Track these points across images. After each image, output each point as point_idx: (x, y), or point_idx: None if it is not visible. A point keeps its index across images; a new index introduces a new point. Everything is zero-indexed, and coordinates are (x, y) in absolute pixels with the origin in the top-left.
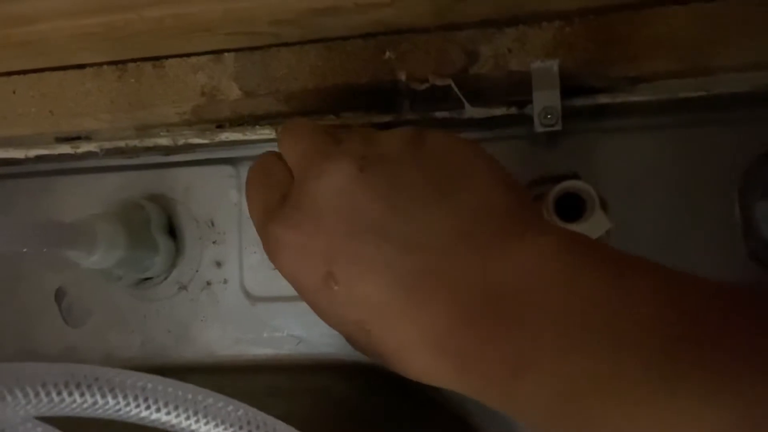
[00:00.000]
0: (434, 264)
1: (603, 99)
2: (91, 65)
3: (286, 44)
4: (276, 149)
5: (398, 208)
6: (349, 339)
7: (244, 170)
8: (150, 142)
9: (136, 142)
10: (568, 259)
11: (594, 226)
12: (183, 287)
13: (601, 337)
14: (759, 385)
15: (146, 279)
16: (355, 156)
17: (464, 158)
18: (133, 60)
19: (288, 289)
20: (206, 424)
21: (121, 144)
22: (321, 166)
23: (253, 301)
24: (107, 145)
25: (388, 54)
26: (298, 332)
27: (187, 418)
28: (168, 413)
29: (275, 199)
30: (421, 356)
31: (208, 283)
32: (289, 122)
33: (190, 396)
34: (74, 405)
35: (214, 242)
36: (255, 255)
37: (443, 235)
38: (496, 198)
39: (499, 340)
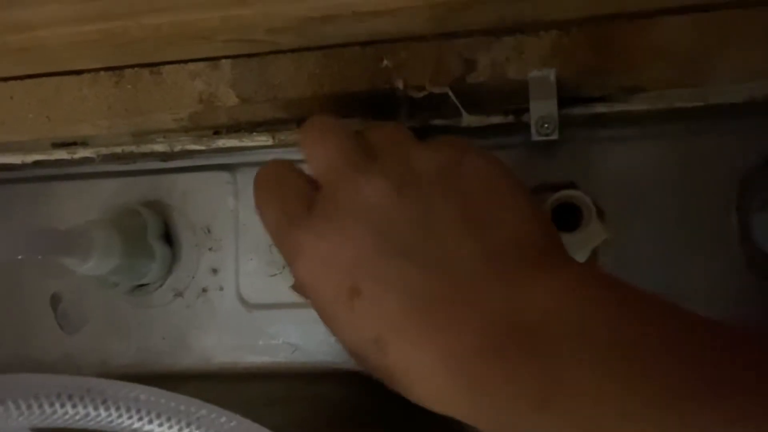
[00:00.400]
0: (460, 290)
1: (600, 108)
2: (89, 71)
3: (283, 51)
4: (276, 156)
5: (430, 231)
6: (361, 357)
7: (241, 177)
8: (147, 148)
9: (132, 148)
10: (593, 296)
11: (590, 236)
12: (179, 294)
13: (626, 379)
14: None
15: (142, 285)
16: (391, 175)
17: (500, 188)
18: (131, 66)
19: (284, 297)
20: None
21: (118, 150)
22: (354, 180)
23: (250, 308)
24: (104, 150)
25: (385, 62)
26: (294, 340)
27: (180, 429)
28: (161, 424)
29: (296, 205)
30: (436, 381)
31: (204, 290)
32: (316, 121)
33: (183, 407)
34: (67, 417)
35: (210, 249)
36: (251, 262)
37: (471, 262)
38: (526, 231)
39: (522, 375)
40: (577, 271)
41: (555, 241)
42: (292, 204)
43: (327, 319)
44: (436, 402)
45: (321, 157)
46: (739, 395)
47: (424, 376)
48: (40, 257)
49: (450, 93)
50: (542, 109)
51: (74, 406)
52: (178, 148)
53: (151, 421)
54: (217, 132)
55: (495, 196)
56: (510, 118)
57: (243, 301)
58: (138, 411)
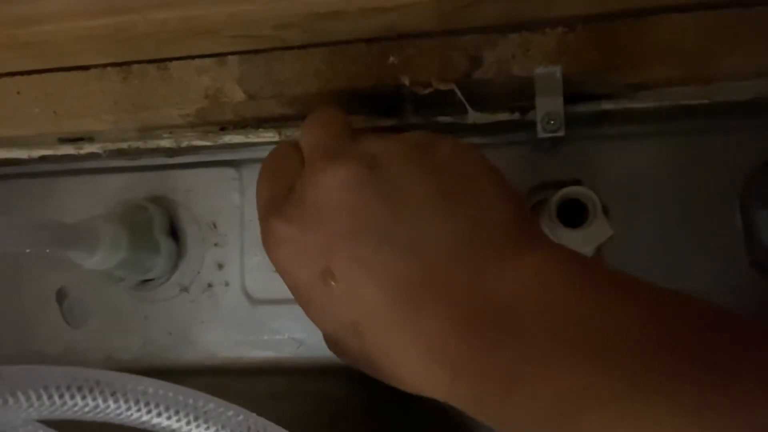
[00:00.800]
0: (433, 271)
1: (606, 105)
2: (96, 66)
3: (290, 48)
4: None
5: (402, 212)
6: (338, 342)
7: (246, 172)
8: (153, 143)
9: (139, 144)
10: (565, 276)
11: (596, 232)
12: (184, 289)
13: (593, 354)
14: (735, 405)
15: (148, 280)
16: (364, 156)
17: (472, 169)
18: (138, 62)
19: (289, 293)
20: (207, 429)
21: (124, 145)
22: (330, 161)
23: (254, 303)
24: (110, 146)
25: (391, 58)
26: (298, 335)
27: (188, 423)
28: (168, 417)
29: (282, 190)
30: (412, 363)
31: (210, 285)
32: (319, 109)
33: (190, 401)
34: (75, 408)
35: (215, 244)
36: (256, 257)
37: (444, 243)
38: (499, 211)
39: (494, 354)
40: (548, 252)
41: (528, 222)
42: (278, 189)
43: (304, 305)
44: (414, 384)
45: (307, 140)
46: (716, 375)
47: (401, 358)
48: (47, 251)
49: (456, 90)
50: (548, 105)
51: (83, 397)
52: (184, 143)
53: (159, 414)
54: (224, 128)
55: (468, 176)
56: (516, 115)
57: (248, 296)
58: (146, 404)
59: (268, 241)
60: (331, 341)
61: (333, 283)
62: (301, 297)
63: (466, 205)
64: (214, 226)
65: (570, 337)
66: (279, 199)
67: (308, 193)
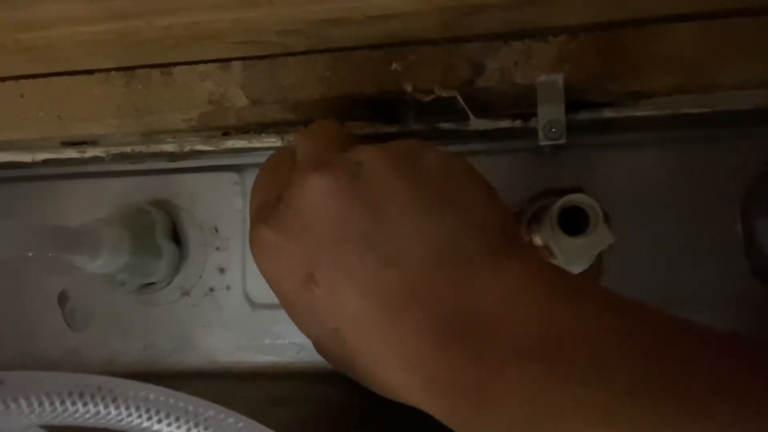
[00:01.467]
0: (412, 280)
1: (607, 113)
2: (100, 71)
3: (293, 54)
4: None
5: (384, 220)
6: (322, 347)
7: (249, 177)
8: (156, 148)
9: (142, 148)
10: (544, 290)
11: (597, 240)
12: (186, 293)
13: (567, 369)
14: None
15: (149, 284)
16: (350, 164)
17: (457, 179)
18: (142, 66)
19: None
20: None
21: (127, 149)
22: (316, 168)
23: (256, 308)
24: (113, 150)
25: (394, 65)
26: (299, 340)
27: (188, 429)
28: (169, 424)
29: (272, 197)
30: (391, 371)
31: (211, 290)
32: (315, 122)
33: (191, 407)
34: (77, 414)
35: (217, 248)
36: None
37: (425, 252)
38: (482, 222)
39: (469, 366)
40: (529, 266)
41: (511, 234)
42: (268, 196)
43: (289, 311)
44: (394, 392)
45: (300, 150)
46: (692, 393)
47: (380, 366)
48: (49, 254)
49: (458, 97)
50: (550, 113)
51: (85, 404)
52: (187, 148)
53: (159, 421)
54: (227, 133)
55: (452, 188)
56: (517, 123)
57: (249, 301)
58: (147, 410)
59: (253, 247)
60: (316, 345)
61: (315, 290)
62: (285, 303)
63: (448, 215)
64: (216, 231)
65: (546, 352)
66: (268, 206)
67: (293, 200)
